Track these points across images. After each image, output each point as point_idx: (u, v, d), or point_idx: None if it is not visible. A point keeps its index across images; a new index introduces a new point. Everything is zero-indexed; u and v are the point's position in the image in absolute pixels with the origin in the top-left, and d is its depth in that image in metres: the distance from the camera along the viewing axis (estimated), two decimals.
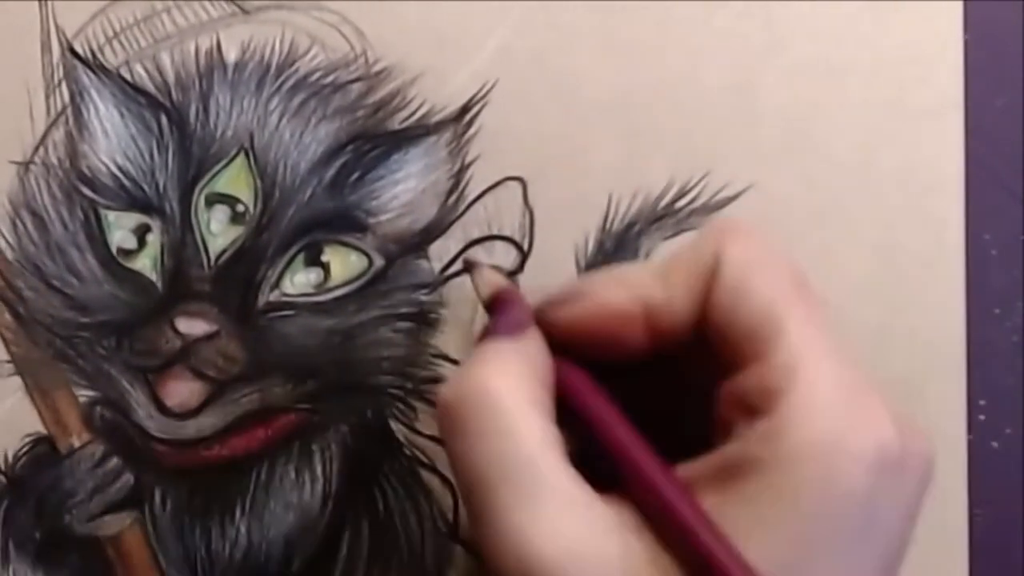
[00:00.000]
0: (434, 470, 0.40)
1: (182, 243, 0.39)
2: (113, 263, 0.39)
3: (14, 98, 0.40)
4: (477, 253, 0.40)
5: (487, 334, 0.34)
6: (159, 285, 0.39)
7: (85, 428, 0.40)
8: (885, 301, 0.40)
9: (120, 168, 0.40)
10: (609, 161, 0.40)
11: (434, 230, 0.40)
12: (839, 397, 0.30)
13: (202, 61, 0.40)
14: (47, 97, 0.40)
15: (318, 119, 0.40)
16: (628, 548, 0.30)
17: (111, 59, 0.40)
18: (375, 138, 0.40)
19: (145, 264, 0.39)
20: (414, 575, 0.40)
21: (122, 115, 0.40)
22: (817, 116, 0.40)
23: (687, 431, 0.32)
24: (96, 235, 0.40)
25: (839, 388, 0.30)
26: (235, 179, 0.39)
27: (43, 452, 0.40)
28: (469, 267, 0.37)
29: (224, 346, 0.39)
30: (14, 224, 0.40)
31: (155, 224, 0.39)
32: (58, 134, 0.40)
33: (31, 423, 0.40)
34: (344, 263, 0.40)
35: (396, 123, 0.40)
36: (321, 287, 0.39)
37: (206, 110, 0.40)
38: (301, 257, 0.39)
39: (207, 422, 0.40)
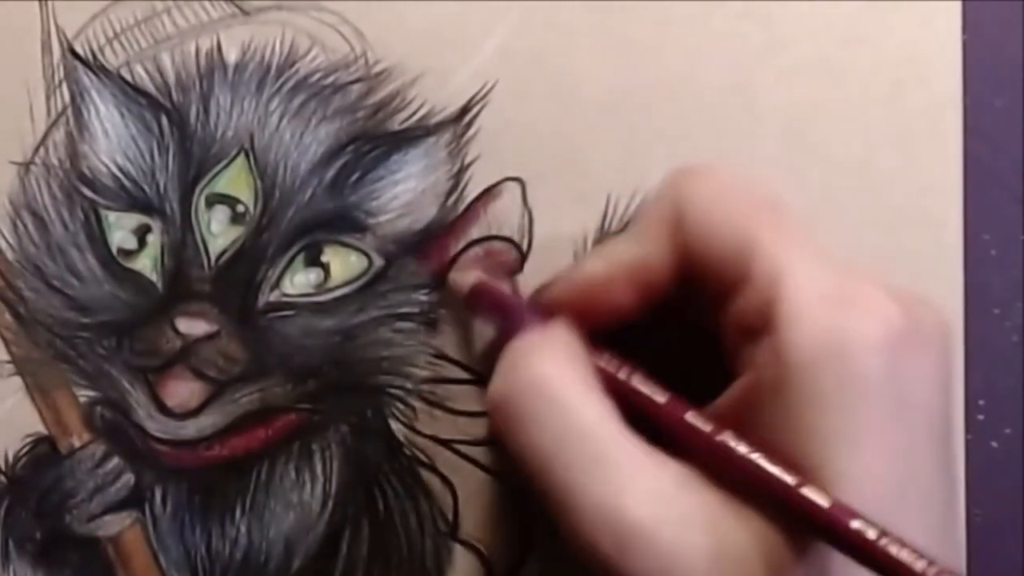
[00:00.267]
0: (434, 470, 0.40)
1: (182, 243, 0.39)
2: (113, 263, 0.39)
3: (14, 98, 0.40)
4: (475, 252, 0.40)
5: (512, 327, 0.35)
6: (159, 285, 0.39)
7: (85, 428, 0.40)
8: None
9: (120, 169, 0.40)
10: (608, 161, 0.40)
11: (434, 230, 0.40)
12: (830, 291, 0.30)
13: (202, 62, 0.40)
14: (47, 98, 0.40)
15: (318, 120, 0.40)
16: (704, 500, 0.30)
17: (111, 60, 0.40)
18: (375, 139, 0.40)
19: (145, 264, 0.40)
20: (414, 575, 0.40)
21: (122, 116, 0.40)
22: (816, 116, 0.40)
23: (705, 380, 0.32)
24: (96, 235, 0.40)
25: (828, 283, 0.30)
26: (235, 180, 0.39)
27: (43, 452, 0.40)
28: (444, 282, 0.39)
29: (224, 346, 0.39)
30: (14, 225, 0.40)
31: (155, 224, 0.40)
32: (58, 135, 0.40)
33: (31, 423, 0.40)
34: (344, 263, 0.40)
35: (396, 124, 0.40)
36: (321, 287, 0.39)
37: (206, 111, 0.40)
38: (301, 257, 0.39)
39: (207, 422, 0.40)
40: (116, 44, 0.40)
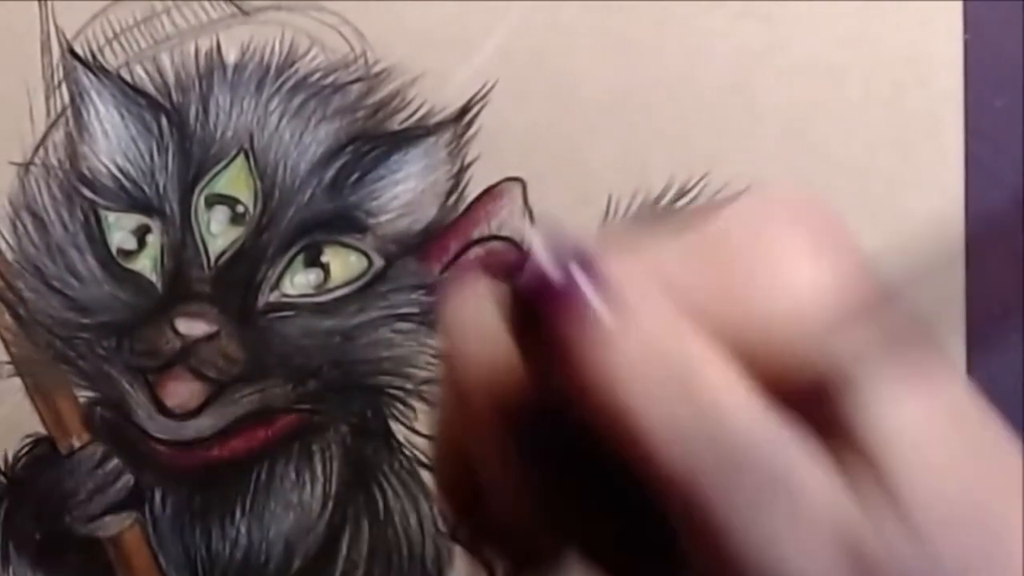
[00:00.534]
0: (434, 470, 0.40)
1: (182, 244, 0.39)
2: (113, 264, 0.39)
3: (14, 99, 0.40)
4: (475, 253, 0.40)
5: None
6: (159, 286, 0.39)
7: (85, 429, 0.40)
8: None
9: (120, 169, 0.40)
10: (609, 161, 0.40)
11: (434, 231, 0.40)
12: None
13: (202, 62, 0.40)
14: (47, 98, 0.40)
15: (318, 120, 0.40)
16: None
17: (111, 60, 0.40)
18: (375, 139, 0.40)
19: (145, 265, 0.39)
20: (414, 575, 0.40)
21: (122, 116, 0.40)
22: (816, 116, 0.40)
23: None
24: (96, 236, 0.40)
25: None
26: (235, 180, 0.39)
27: (43, 453, 0.40)
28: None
29: (224, 347, 0.39)
30: (14, 225, 0.40)
31: (155, 225, 0.39)
32: (58, 135, 0.40)
33: (31, 424, 0.40)
34: (344, 264, 0.40)
35: (396, 124, 0.40)
36: (321, 288, 0.39)
37: (206, 111, 0.40)
38: (301, 258, 0.39)
39: (207, 423, 0.40)
40: (116, 44, 0.40)
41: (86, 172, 0.40)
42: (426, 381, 0.40)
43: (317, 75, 0.40)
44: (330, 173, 0.39)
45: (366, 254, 0.40)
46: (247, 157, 0.39)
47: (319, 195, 0.39)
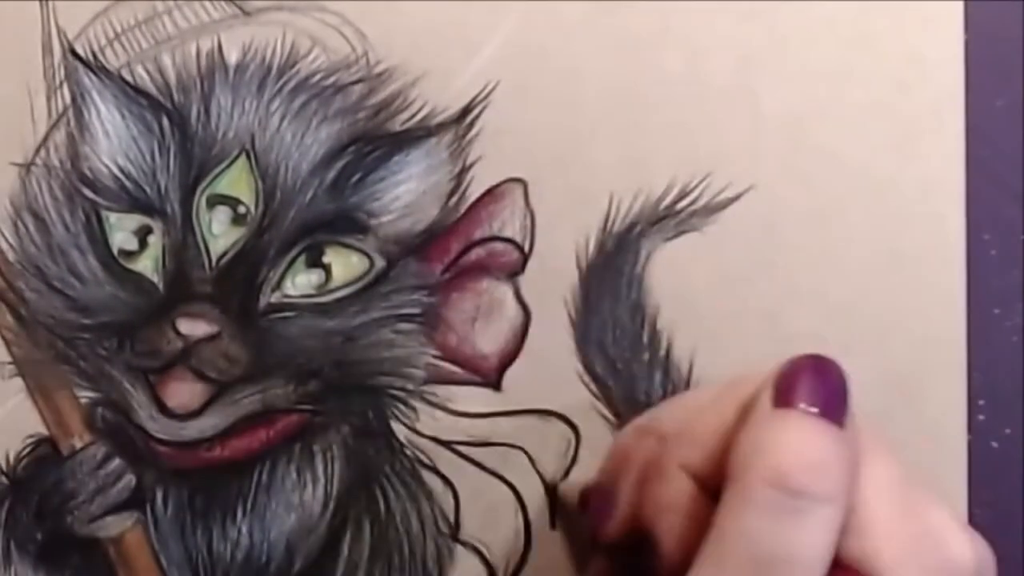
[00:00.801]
0: (435, 471, 0.40)
1: (183, 244, 0.39)
2: (114, 264, 0.39)
3: (15, 99, 0.40)
4: (476, 253, 0.40)
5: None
6: (160, 286, 0.39)
7: (87, 429, 0.40)
8: (885, 301, 0.40)
9: (121, 169, 0.40)
10: (610, 162, 0.40)
11: (435, 231, 0.40)
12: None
13: (203, 63, 0.40)
14: (48, 99, 0.40)
15: (319, 120, 0.40)
16: None
17: (112, 60, 0.40)
18: (376, 139, 0.40)
19: (146, 265, 0.39)
20: (415, 575, 0.40)
21: (123, 117, 0.40)
22: (818, 117, 0.40)
23: None
24: (97, 236, 0.40)
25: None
26: (236, 180, 0.39)
27: (45, 453, 0.40)
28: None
29: (225, 347, 0.39)
30: (16, 226, 0.40)
31: (156, 225, 0.39)
32: (59, 136, 0.40)
33: (33, 424, 0.40)
34: (345, 264, 0.40)
35: (397, 124, 0.40)
36: (322, 288, 0.39)
37: (207, 111, 0.40)
38: (302, 258, 0.39)
39: (208, 423, 0.40)
40: (117, 45, 0.40)
41: (87, 173, 0.40)
42: (427, 382, 0.40)
43: (319, 76, 0.40)
44: (331, 174, 0.39)
45: (367, 255, 0.40)
46: (248, 158, 0.39)
47: (320, 196, 0.39)
